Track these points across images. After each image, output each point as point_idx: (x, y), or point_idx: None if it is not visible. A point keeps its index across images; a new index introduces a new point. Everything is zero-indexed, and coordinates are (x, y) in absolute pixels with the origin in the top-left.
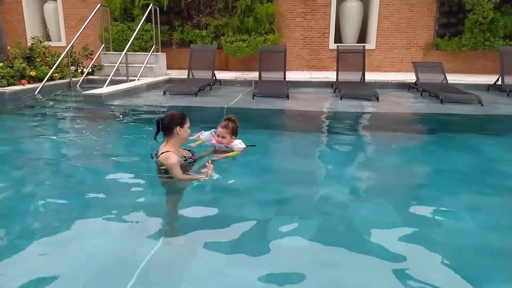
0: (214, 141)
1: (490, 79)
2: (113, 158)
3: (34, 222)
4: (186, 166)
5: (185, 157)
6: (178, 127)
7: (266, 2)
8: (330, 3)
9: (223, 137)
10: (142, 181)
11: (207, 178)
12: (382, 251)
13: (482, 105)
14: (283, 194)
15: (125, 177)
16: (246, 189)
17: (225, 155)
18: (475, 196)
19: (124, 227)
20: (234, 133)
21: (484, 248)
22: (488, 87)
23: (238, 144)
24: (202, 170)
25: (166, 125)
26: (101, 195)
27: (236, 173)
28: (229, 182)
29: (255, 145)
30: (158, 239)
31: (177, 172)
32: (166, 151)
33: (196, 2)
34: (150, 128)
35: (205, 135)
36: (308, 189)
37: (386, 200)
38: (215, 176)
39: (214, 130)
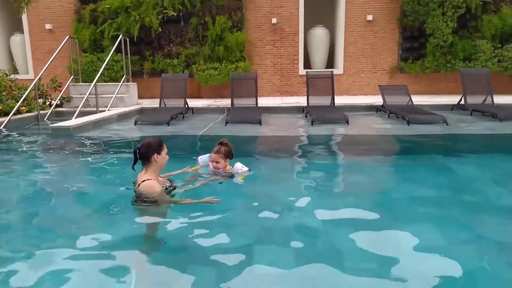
0: (211, 166)
1: (453, 99)
2: (83, 191)
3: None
4: (168, 193)
5: (165, 185)
6: (155, 154)
7: (236, 31)
8: (298, 31)
9: (217, 162)
10: (115, 213)
11: (215, 201)
12: (358, 273)
13: (447, 124)
14: (260, 220)
15: (97, 209)
16: (224, 217)
17: (218, 177)
18: (442, 213)
19: (96, 262)
20: (228, 156)
21: (452, 267)
22: (452, 107)
23: (241, 168)
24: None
25: (143, 153)
26: (71, 229)
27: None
28: (204, 210)
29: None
30: (132, 274)
31: (166, 198)
32: (148, 179)
33: (167, 33)
34: (121, 159)
35: (203, 158)
36: (284, 215)
37: (361, 223)
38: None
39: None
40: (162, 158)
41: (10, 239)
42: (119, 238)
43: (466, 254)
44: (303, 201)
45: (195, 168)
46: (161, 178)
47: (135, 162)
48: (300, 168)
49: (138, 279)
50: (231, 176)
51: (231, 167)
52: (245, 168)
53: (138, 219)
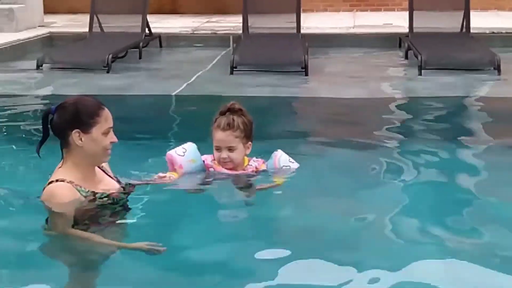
0: (213, 166)
1: None
2: None
3: None
4: (103, 209)
5: (103, 194)
6: (76, 130)
7: None
8: None
9: (230, 150)
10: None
11: (156, 249)
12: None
13: None
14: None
15: None
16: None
17: (263, 186)
18: None
19: None
20: (249, 137)
21: None
22: None
23: (288, 162)
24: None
25: (56, 126)
26: None
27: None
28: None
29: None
30: None
31: (59, 223)
32: (56, 180)
33: None
34: (16, 139)
35: (188, 153)
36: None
37: None
38: None
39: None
40: (91, 140)
41: None
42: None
43: None
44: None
45: (172, 175)
46: (107, 180)
47: (42, 141)
48: (390, 161)
49: None
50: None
51: (261, 161)
52: (294, 165)
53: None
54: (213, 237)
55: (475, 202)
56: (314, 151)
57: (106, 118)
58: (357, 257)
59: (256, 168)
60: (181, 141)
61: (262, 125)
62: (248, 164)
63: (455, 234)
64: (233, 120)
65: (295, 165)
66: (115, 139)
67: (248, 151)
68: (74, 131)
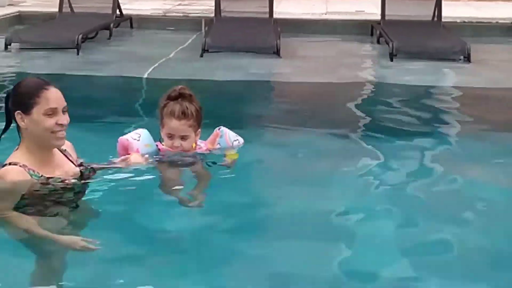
0: (164, 149)
1: None
2: None
3: None
4: (56, 194)
5: (57, 179)
6: (18, 112)
7: None
8: None
9: (183, 138)
10: None
11: (92, 248)
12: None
13: None
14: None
15: None
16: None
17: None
18: None
19: None
20: (200, 121)
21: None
22: None
23: (235, 139)
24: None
25: (6, 108)
26: None
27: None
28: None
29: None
30: None
31: (3, 205)
32: (9, 163)
33: None
34: None
35: (142, 139)
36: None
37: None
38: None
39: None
40: (33, 122)
41: None
42: None
43: None
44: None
45: (124, 160)
46: (66, 165)
47: (7, 125)
48: (360, 155)
49: None
50: (212, 162)
51: (205, 142)
52: (241, 139)
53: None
54: (175, 221)
55: (439, 183)
56: (281, 135)
57: (48, 99)
58: (325, 240)
59: (208, 147)
60: (145, 122)
61: (232, 108)
62: (196, 146)
63: (413, 215)
64: (187, 108)
65: (241, 139)
66: (62, 120)
67: (197, 138)
68: (16, 112)
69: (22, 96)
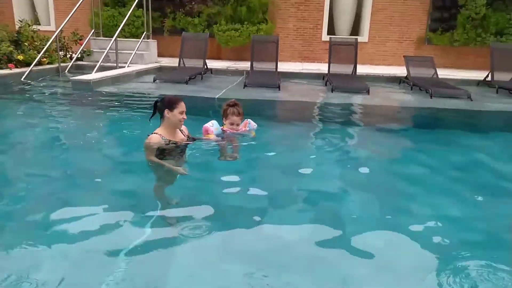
0: (229, 131)
1: (480, 74)
2: (100, 144)
3: (20, 205)
4: (171, 151)
5: (170, 141)
6: (166, 110)
7: None
8: None
9: (238, 125)
10: (130, 167)
11: (185, 173)
12: (364, 245)
13: (471, 100)
14: (273, 186)
15: (112, 163)
16: (237, 181)
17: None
18: (460, 191)
19: (111, 213)
20: (243, 117)
21: (469, 243)
22: (478, 83)
23: (254, 124)
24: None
25: (159, 107)
26: (88, 181)
27: (225, 164)
28: (219, 173)
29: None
30: (145, 227)
31: (147, 154)
32: (153, 133)
33: None
34: (138, 115)
35: (214, 129)
36: (297, 182)
37: (374, 195)
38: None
39: (213, 121)
40: (173, 115)
41: (27, 188)
42: (129, 192)
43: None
44: (316, 169)
45: (206, 136)
46: (178, 134)
47: (152, 115)
48: (315, 135)
49: (152, 231)
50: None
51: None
52: (256, 125)
53: (150, 176)
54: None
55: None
56: (280, 126)
57: (181, 105)
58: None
59: (244, 129)
60: (216, 118)
61: (257, 111)
62: (240, 128)
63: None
64: (239, 111)
65: (256, 125)
66: (185, 117)
67: (242, 124)
68: (166, 110)
69: (170, 102)
